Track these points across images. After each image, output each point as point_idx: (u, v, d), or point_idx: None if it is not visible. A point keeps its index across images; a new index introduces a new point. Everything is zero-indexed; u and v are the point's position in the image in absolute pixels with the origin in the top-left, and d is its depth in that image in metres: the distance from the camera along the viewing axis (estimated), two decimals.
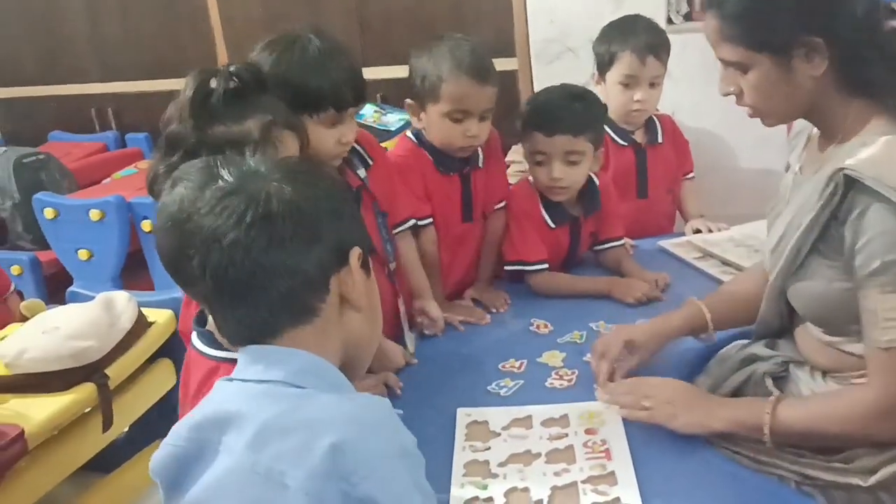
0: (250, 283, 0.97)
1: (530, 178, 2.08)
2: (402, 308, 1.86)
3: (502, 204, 2.13)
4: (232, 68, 1.47)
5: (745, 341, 1.59)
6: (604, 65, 2.39)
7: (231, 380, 1.02)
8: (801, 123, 1.50)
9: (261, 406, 0.95)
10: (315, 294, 1.01)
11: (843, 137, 1.31)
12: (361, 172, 1.82)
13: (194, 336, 1.27)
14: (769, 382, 1.46)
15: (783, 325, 1.50)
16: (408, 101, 1.97)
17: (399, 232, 1.94)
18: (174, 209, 1.04)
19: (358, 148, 1.83)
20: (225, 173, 1.02)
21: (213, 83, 1.44)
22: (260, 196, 0.98)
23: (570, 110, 1.96)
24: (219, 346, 1.22)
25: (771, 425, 1.29)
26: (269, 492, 0.90)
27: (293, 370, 0.99)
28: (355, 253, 1.04)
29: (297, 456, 0.89)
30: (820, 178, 1.29)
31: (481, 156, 2.06)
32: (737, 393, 1.51)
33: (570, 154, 1.95)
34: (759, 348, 1.53)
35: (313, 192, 1.01)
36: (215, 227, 0.96)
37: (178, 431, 1.00)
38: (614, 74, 2.36)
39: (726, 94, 1.39)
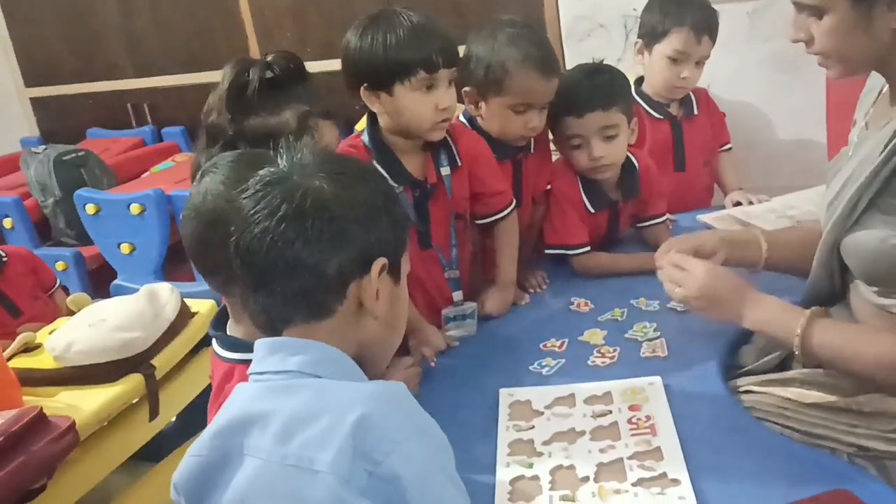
0: (272, 272, 0.99)
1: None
2: (456, 298, 1.87)
3: (548, 187, 2.11)
4: (269, 58, 1.48)
5: None
6: (654, 36, 2.34)
7: (250, 379, 1.03)
8: (873, 81, 1.45)
9: (282, 401, 0.96)
10: (331, 296, 1.01)
11: None
12: (445, 170, 1.81)
13: (213, 340, 1.29)
14: None
15: (833, 289, 1.46)
16: (466, 89, 1.94)
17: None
18: (198, 200, 1.12)
19: (451, 143, 1.83)
20: (277, 161, 1.05)
21: (250, 74, 1.45)
22: (297, 192, 0.98)
23: (596, 86, 1.93)
24: (235, 348, 1.23)
25: (802, 335, 1.31)
26: (300, 481, 0.90)
27: (311, 360, 0.99)
28: (378, 264, 1.02)
29: (322, 439, 0.90)
30: (885, 133, 1.26)
31: (532, 141, 2.05)
32: (783, 364, 1.48)
33: (605, 129, 1.93)
34: None
35: (350, 196, 1.01)
36: (253, 211, 0.99)
37: (202, 441, 1.01)
38: (664, 48, 2.31)
39: (796, 41, 1.34)
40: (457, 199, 1.85)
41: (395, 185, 1.75)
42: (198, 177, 1.23)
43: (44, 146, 4.09)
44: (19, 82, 4.95)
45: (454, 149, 1.84)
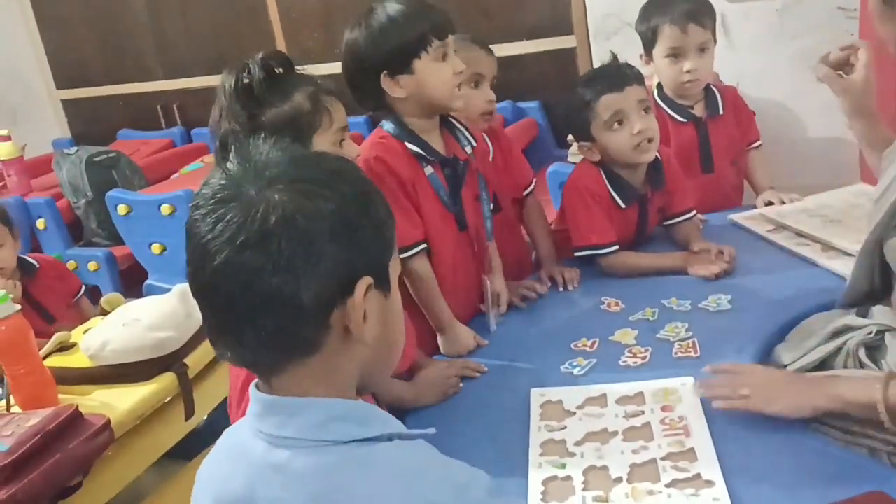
0: (240, 311, 0.86)
1: (593, 156, 2.05)
2: (487, 287, 1.87)
3: (531, 188, 2.16)
4: (259, 56, 1.51)
5: (828, 313, 1.54)
6: (648, 42, 2.37)
7: (249, 426, 0.92)
8: None
9: (290, 489, 0.86)
10: (314, 328, 0.88)
11: None
12: (468, 149, 1.88)
13: None
14: (863, 352, 1.40)
15: (874, 289, 1.44)
16: None
17: None
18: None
19: (459, 126, 1.90)
20: (227, 166, 0.90)
21: (249, 72, 1.47)
22: (257, 209, 0.84)
23: (622, 66, 2.04)
24: None
25: (885, 401, 1.22)
26: None
27: (314, 423, 0.88)
28: (363, 285, 0.88)
29: None
30: None
31: (491, 149, 2.08)
32: (823, 365, 1.45)
33: (644, 103, 1.99)
34: (851, 318, 1.46)
35: (320, 206, 0.86)
36: (210, 237, 0.85)
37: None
38: (660, 49, 2.34)
39: None
40: (486, 176, 1.93)
41: (430, 161, 1.83)
42: None
43: (75, 147, 4.14)
44: (51, 85, 5.02)
45: (465, 129, 1.90)
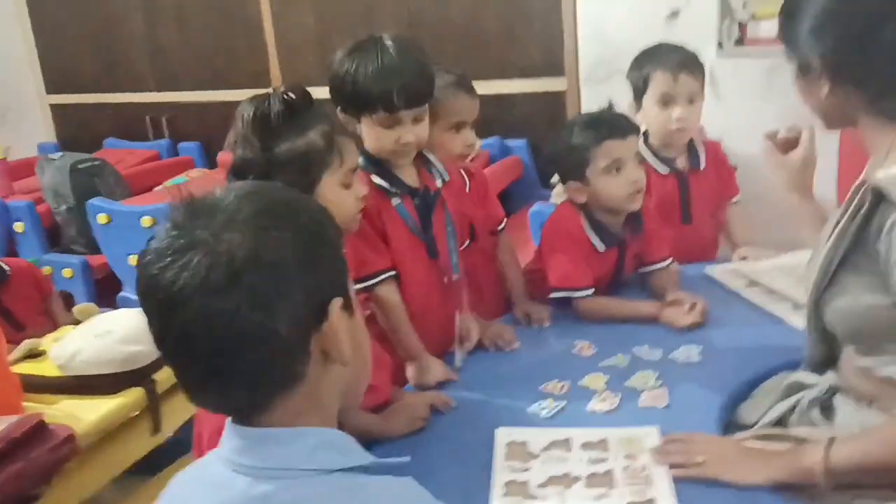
0: (221, 357, 0.86)
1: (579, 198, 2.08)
2: (457, 321, 1.89)
3: (502, 225, 2.19)
4: (281, 90, 1.53)
5: (792, 372, 1.57)
6: (639, 90, 2.41)
7: (225, 460, 0.91)
8: None
9: None
10: (297, 359, 0.89)
11: (889, 161, 1.30)
12: (439, 182, 1.91)
13: None
14: (815, 412, 1.44)
15: (828, 352, 1.48)
16: None
17: None
18: None
19: (433, 160, 1.92)
20: (178, 213, 0.89)
21: (269, 104, 1.49)
22: (220, 250, 0.84)
23: (621, 116, 2.06)
24: None
25: (825, 462, 1.25)
26: None
27: (305, 451, 0.89)
28: (336, 306, 0.90)
29: None
30: (854, 192, 1.30)
31: (468, 182, 2.10)
32: (782, 421, 1.49)
33: (637, 154, 2.03)
34: (804, 375, 1.51)
35: (280, 238, 0.87)
36: (181, 287, 0.84)
37: None
38: (650, 95, 2.38)
39: None
40: (453, 212, 1.94)
41: (395, 193, 1.84)
42: None
43: (60, 153, 4.13)
44: (41, 88, 5.01)
45: (439, 165, 1.93)
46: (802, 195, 1.62)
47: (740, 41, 3.32)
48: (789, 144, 1.62)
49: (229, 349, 0.85)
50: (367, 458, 0.94)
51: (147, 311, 0.88)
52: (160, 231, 0.89)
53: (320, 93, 2.06)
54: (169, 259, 0.85)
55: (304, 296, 0.88)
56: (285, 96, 1.51)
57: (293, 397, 0.90)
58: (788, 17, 1.38)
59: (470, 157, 2.13)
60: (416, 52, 1.80)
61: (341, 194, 1.55)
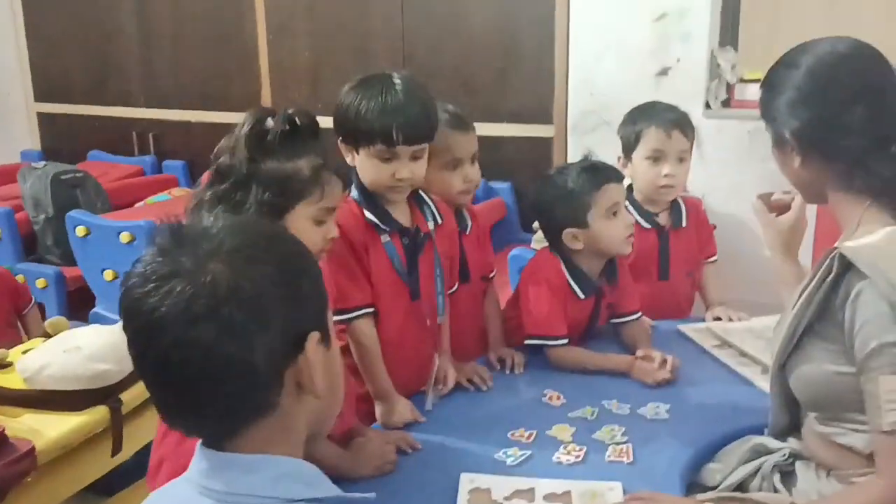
0: (197, 385, 0.88)
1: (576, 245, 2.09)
2: (435, 364, 1.89)
3: (493, 273, 2.20)
4: (290, 111, 1.54)
5: (758, 436, 1.59)
6: (630, 144, 2.45)
7: (193, 484, 0.93)
8: None
9: None
10: (270, 389, 0.91)
11: (857, 235, 1.34)
12: (431, 224, 1.91)
13: None
14: (776, 478, 1.46)
15: (791, 419, 1.50)
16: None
17: None
18: None
19: (427, 201, 1.93)
20: (164, 238, 0.91)
21: (270, 122, 1.50)
22: (202, 280, 0.86)
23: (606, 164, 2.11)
24: None
25: None
26: None
27: (269, 479, 0.90)
28: (313, 340, 0.92)
29: None
30: (821, 263, 1.33)
31: (470, 224, 2.12)
32: (743, 484, 1.50)
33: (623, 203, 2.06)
34: (768, 439, 1.54)
35: (261, 270, 0.89)
36: (163, 313, 0.86)
37: None
38: (641, 151, 2.41)
39: None
40: (442, 255, 1.94)
41: (385, 230, 1.85)
42: None
43: (44, 162, 4.11)
44: (30, 96, 5.00)
45: (433, 206, 1.94)
46: (787, 257, 1.64)
47: (727, 102, 3.38)
48: (781, 207, 1.65)
49: (204, 378, 0.87)
50: (332, 490, 0.96)
51: (127, 333, 0.90)
52: (146, 255, 0.90)
53: None
54: (152, 285, 0.86)
55: (283, 329, 0.89)
56: (291, 118, 1.52)
57: (264, 426, 0.92)
58: (768, 89, 1.43)
59: (471, 193, 2.11)
60: (422, 93, 1.83)
61: (310, 228, 1.54)
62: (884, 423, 1.22)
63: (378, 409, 1.81)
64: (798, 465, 1.47)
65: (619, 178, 2.08)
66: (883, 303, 1.22)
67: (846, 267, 1.27)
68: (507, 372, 2.01)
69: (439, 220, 1.94)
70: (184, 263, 0.87)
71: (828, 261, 1.29)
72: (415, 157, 1.81)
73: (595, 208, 2.03)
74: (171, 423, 0.96)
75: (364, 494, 0.98)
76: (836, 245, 1.30)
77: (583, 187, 2.03)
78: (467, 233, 2.11)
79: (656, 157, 2.39)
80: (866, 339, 1.24)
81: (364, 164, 1.80)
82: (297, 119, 1.53)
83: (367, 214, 1.84)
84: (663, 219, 2.47)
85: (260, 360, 0.87)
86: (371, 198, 1.85)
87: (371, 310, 1.84)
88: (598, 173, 2.05)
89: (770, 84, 1.43)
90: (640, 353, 2.01)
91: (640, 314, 2.17)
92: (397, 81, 1.79)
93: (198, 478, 0.92)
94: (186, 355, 0.86)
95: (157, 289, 0.86)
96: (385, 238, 1.86)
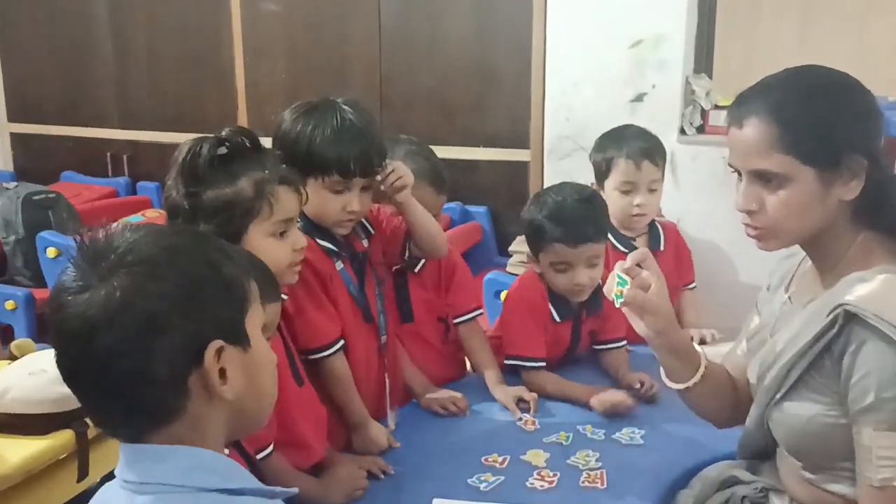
0: (102, 391, 0.93)
1: (535, 269, 2.08)
2: (387, 384, 1.87)
3: (478, 313, 2.12)
4: (223, 133, 1.52)
5: (731, 462, 1.57)
6: (602, 173, 2.45)
7: (117, 483, 0.97)
8: (790, 249, 1.45)
9: None
10: (174, 396, 0.94)
11: (840, 269, 1.30)
12: (365, 242, 1.88)
13: None
14: None
15: (767, 446, 1.48)
16: None
17: None
18: None
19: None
20: (81, 253, 0.95)
21: (202, 150, 1.48)
22: (103, 295, 0.90)
23: (592, 219, 2.00)
24: None
25: None
26: None
27: (180, 469, 0.94)
28: (212, 350, 0.93)
29: None
30: (816, 311, 1.29)
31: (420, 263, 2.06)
32: None
33: (592, 258, 1.99)
34: (740, 471, 1.51)
35: (160, 285, 0.92)
36: (68, 328, 0.91)
37: None
38: (612, 182, 2.41)
39: (746, 211, 1.34)
40: (376, 265, 1.90)
41: (339, 256, 1.81)
42: None
43: (15, 183, 4.05)
44: (2, 116, 4.94)
45: (365, 220, 1.89)
46: (673, 330, 1.53)
47: (702, 129, 3.40)
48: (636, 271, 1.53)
49: (106, 386, 0.92)
50: (251, 483, 1.00)
51: (51, 340, 0.96)
52: (67, 269, 0.95)
53: None
54: (66, 298, 0.92)
55: (181, 340, 0.92)
56: (222, 141, 1.50)
57: (174, 428, 0.95)
58: (790, 118, 1.28)
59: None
60: (373, 121, 1.80)
61: (272, 244, 1.52)
62: (875, 479, 1.20)
63: (354, 437, 1.78)
64: (771, 496, 1.44)
65: (601, 237, 2.02)
66: (888, 356, 1.18)
67: (849, 318, 1.22)
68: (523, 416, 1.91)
69: (372, 231, 1.91)
70: (91, 278, 0.92)
71: (831, 316, 1.23)
72: (364, 189, 1.77)
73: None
74: (96, 425, 1.02)
75: (285, 490, 1.03)
76: (840, 302, 1.22)
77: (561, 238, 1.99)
78: (415, 271, 2.06)
79: (626, 190, 2.39)
80: (865, 390, 1.20)
81: (313, 195, 1.69)
82: (231, 140, 1.51)
83: (322, 242, 1.79)
84: (641, 243, 2.46)
85: (159, 369, 0.91)
86: (318, 226, 1.80)
87: (342, 342, 1.80)
88: (578, 231, 1.98)
89: (792, 111, 1.28)
90: (622, 380, 2.01)
91: (624, 342, 2.15)
92: (347, 108, 1.74)
93: (119, 472, 0.97)
94: (90, 365, 0.91)
95: (70, 302, 0.91)
96: (339, 265, 1.83)
